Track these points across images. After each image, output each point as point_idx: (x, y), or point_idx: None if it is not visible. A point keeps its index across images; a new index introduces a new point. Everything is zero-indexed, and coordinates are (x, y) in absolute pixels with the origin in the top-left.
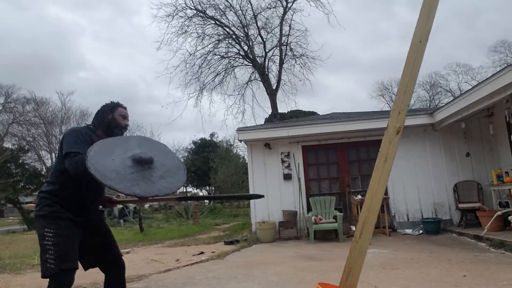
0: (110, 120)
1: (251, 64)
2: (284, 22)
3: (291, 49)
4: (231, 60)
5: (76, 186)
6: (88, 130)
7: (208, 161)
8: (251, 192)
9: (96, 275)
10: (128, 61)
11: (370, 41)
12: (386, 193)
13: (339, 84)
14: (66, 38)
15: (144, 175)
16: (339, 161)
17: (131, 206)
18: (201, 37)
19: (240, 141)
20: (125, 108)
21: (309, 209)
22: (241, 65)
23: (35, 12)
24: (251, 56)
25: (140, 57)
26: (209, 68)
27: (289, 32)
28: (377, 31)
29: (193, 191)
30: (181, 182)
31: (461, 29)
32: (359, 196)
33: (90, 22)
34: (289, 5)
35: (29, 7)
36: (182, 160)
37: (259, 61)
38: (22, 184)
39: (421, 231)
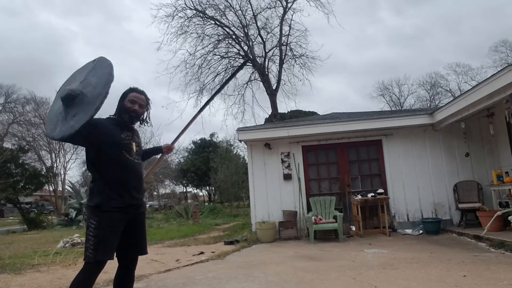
0: (120, 106)
1: (251, 64)
2: (284, 22)
3: (291, 49)
4: (231, 60)
5: (110, 167)
6: (106, 121)
7: (208, 161)
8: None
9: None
10: (122, 64)
11: (357, 45)
12: (386, 193)
13: (331, 87)
14: (59, 43)
15: (64, 115)
16: (339, 161)
17: None
18: (201, 38)
19: (240, 141)
20: (140, 92)
21: (309, 209)
22: None
23: (27, 18)
24: (251, 56)
25: (133, 61)
26: (209, 68)
27: (289, 32)
28: (364, 36)
29: (193, 191)
30: (86, 116)
31: (446, 34)
32: (359, 196)
33: (81, 28)
34: (289, 5)
35: (20, 13)
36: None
37: (259, 61)
38: (22, 184)
39: (421, 231)
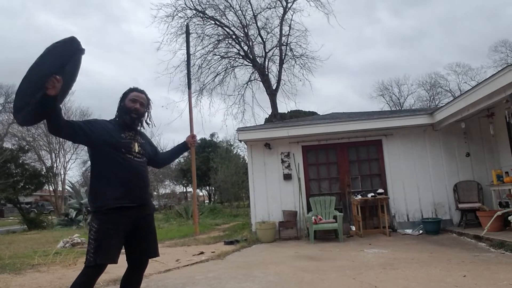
0: (121, 107)
1: (251, 64)
2: (284, 22)
3: (291, 49)
4: (231, 60)
5: (109, 165)
6: (108, 121)
7: (208, 161)
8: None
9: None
10: (120, 65)
11: (356, 46)
12: (386, 193)
13: (330, 87)
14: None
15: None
16: (339, 161)
17: None
18: (200, 37)
19: (240, 141)
20: (140, 91)
21: (309, 209)
22: (241, 65)
23: (26, 19)
24: (251, 56)
25: (131, 61)
26: (209, 68)
27: (289, 32)
28: (363, 37)
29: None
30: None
31: (444, 35)
32: (359, 196)
33: (80, 28)
34: (289, 5)
35: (19, 14)
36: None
37: (259, 61)
38: (22, 184)
39: (421, 231)
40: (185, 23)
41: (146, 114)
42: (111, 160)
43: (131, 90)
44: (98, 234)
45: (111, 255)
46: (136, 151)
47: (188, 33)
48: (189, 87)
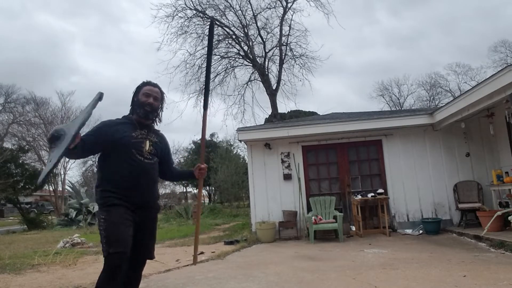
0: (135, 102)
1: (251, 64)
2: (284, 22)
3: (291, 49)
4: (231, 60)
5: (117, 166)
6: (117, 120)
7: (208, 161)
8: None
9: (96, 275)
10: (119, 65)
11: (355, 47)
12: (386, 193)
13: (330, 88)
14: (58, 44)
15: (52, 150)
16: (339, 161)
17: None
18: (201, 38)
19: (240, 141)
20: (154, 85)
21: (309, 209)
22: (241, 65)
23: (25, 19)
24: (251, 56)
25: (131, 61)
26: None
27: (289, 32)
28: (362, 37)
29: (193, 191)
30: (60, 150)
31: (442, 35)
32: (359, 196)
33: (80, 29)
34: (289, 5)
35: (18, 15)
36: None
37: (259, 61)
38: (22, 184)
39: (421, 231)
40: (209, 21)
41: (160, 108)
42: (120, 163)
43: (145, 84)
44: (106, 224)
45: (122, 242)
46: (147, 150)
47: (212, 30)
48: (205, 107)
